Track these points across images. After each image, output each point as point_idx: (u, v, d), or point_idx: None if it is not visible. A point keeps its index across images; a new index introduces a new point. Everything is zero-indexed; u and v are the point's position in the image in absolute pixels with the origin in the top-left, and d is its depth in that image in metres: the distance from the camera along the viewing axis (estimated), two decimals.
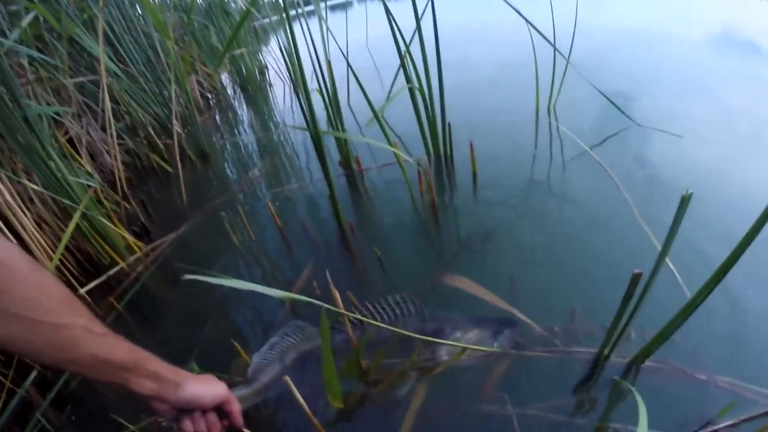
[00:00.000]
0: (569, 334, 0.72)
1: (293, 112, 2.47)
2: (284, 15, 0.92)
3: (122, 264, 1.22)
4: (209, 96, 3.15)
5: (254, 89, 3.29)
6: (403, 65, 1.33)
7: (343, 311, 0.65)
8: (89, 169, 1.58)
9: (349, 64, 1.49)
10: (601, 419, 0.60)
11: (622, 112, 1.44)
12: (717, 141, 1.26)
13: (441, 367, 0.71)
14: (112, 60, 1.75)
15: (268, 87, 3.39)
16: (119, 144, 1.87)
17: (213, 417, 0.59)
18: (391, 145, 1.16)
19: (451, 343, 0.72)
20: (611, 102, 1.48)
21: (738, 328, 0.69)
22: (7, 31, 1.35)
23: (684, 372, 0.63)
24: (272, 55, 3.24)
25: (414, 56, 1.34)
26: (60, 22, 1.46)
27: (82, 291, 1.10)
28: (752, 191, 1.00)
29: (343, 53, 1.39)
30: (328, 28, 1.15)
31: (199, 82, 2.97)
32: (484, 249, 0.98)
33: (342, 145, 1.45)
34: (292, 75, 0.98)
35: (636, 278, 0.54)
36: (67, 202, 1.14)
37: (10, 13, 1.45)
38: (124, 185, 1.60)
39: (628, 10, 3.43)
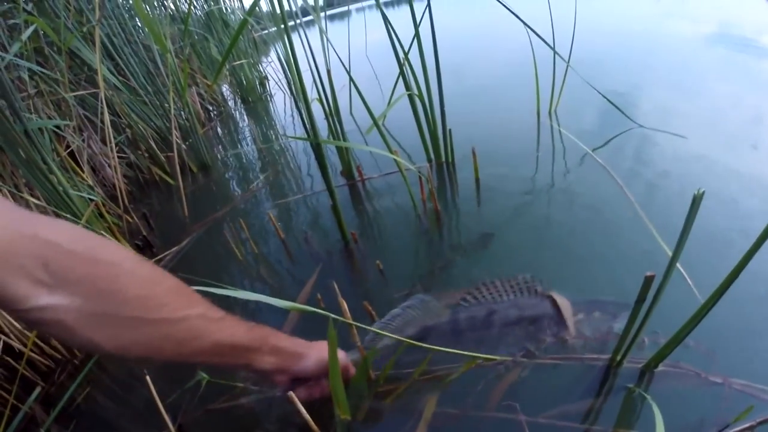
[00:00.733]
0: (578, 340, 0.71)
1: (294, 122, 2.48)
2: (282, 26, 0.92)
3: None
4: (210, 108, 3.16)
5: (255, 100, 3.30)
6: (402, 72, 1.33)
7: (351, 322, 0.64)
8: (91, 182, 1.58)
9: (349, 74, 1.49)
10: (615, 426, 0.58)
11: (624, 114, 1.44)
12: (719, 141, 1.26)
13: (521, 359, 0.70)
14: (112, 73, 1.76)
15: (268, 98, 3.41)
16: (120, 157, 1.87)
17: (326, 382, 0.58)
18: (392, 153, 1.16)
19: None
20: (612, 104, 1.48)
21: (753, 330, 0.68)
22: (7, 45, 1.35)
23: (698, 375, 0.62)
24: (272, 66, 3.26)
25: (413, 63, 1.34)
26: (59, 35, 1.47)
27: None
28: (757, 191, 0.99)
29: (343, 63, 1.39)
30: (328, 40, 1.16)
31: (199, 94, 2.98)
32: (486, 255, 0.98)
33: (343, 154, 1.45)
34: (292, 86, 0.98)
35: (649, 281, 0.53)
36: (69, 216, 1.14)
37: (9, 26, 1.46)
38: (126, 199, 1.59)
39: (629, 11, 3.45)
